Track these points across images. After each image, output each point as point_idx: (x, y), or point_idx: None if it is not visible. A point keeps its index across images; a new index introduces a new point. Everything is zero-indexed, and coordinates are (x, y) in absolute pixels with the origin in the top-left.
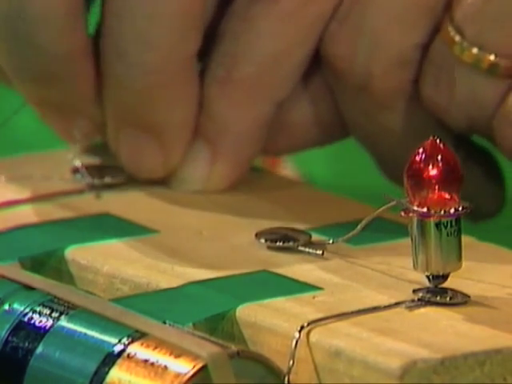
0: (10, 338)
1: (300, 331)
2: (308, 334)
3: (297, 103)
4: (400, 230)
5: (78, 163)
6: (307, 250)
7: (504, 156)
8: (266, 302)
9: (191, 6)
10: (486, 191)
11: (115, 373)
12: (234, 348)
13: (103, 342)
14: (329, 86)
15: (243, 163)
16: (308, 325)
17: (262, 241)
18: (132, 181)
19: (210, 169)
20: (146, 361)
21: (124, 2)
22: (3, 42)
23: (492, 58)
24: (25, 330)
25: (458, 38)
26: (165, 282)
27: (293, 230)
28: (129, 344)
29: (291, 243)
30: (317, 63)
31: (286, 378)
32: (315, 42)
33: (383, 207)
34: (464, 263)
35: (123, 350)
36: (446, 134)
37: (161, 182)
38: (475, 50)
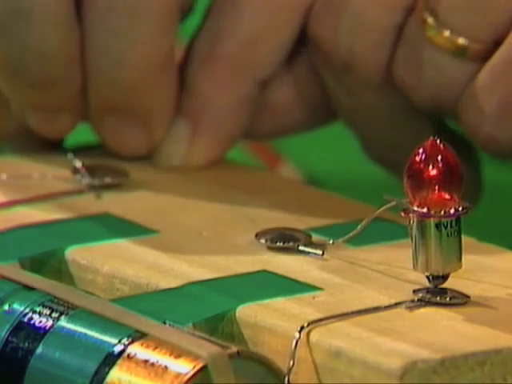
0: (9, 339)
1: (300, 331)
2: (308, 334)
3: (281, 85)
4: (400, 231)
5: (78, 163)
6: (307, 250)
7: (468, 137)
8: (266, 302)
9: (169, 2)
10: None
11: (115, 373)
12: (234, 348)
13: (103, 342)
14: (314, 67)
15: (224, 141)
16: (308, 325)
17: (262, 241)
18: (132, 181)
19: (190, 145)
20: (146, 361)
21: (107, 1)
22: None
23: (462, 41)
24: (25, 330)
25: (430, 19)
26: (165, 282)
27: (293, 230)
28: (129, 344)
29: (291, 243)
30: (301, 44)
31: (286, 378)
32: (299, 22)
33: (383, 207)
34: (464, 263)
35: (123, 351)
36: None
37: (161, 182)
38: (447, 33)
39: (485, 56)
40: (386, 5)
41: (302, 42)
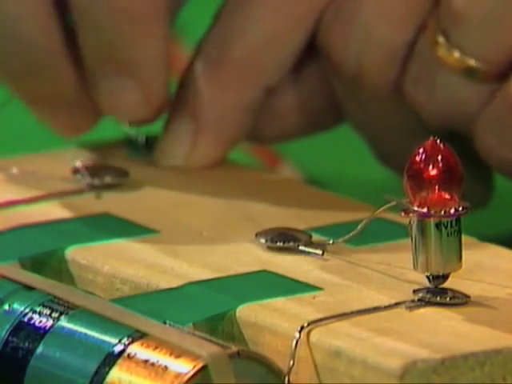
0: (10, 338)
1: (300, 331)
2: (308, 334)
3: (290, 91)
4: (400, 230)
5: (78, 163)
6: (307, 250)
7: (482, 157)
8: (266, 302)
9: None
10: (475, 180)
11: (115, 373)
12: (234, 348)
13: (103, 342)
14: (321, 73)
15: (225, 143)
16: (308, 325)
17: (262, 241)
18: (132, 181)
19: (192, 145)
20: (146, 361)
21: None
22: None
23: (472, 62)
24: (25, 330)
25: (441, 39)
26: (165, 282)
27: (293, 230)
28: (129, 344)
29: (291, 243)
30: (311, 51)
31: (287, 378)
32: (309, 31)
33: (383, 207)
34: (464, 263)
35: (123, 350)
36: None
37: (161, 182)
38: (457, 53)
39: (496, 77)
40: (396, 22)
41: (312, 49)
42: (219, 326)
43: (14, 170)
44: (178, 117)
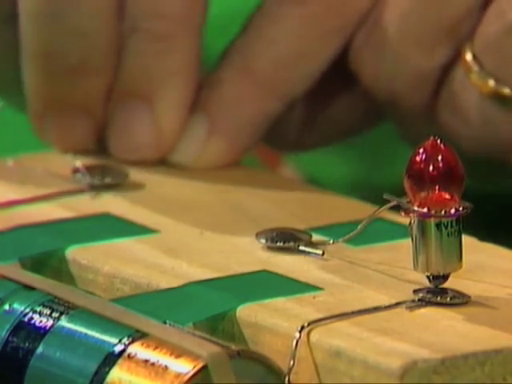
0: (10, 338)
1: (300, 331)
2: (308, 334)
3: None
4: (400, 231)
5: (78, 163)
6: (307, 250)
7: None
8: (267, 302)
9: None
10: None
11: (116, 373)
12: (234, 348)
13: (103, 342)
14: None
15: (236, 150)
16: (308, 325)
17: (262, 241)
18: (132, 181)
19: (204, 145)
20: (146, 361)
21: None
22: (47, 30)
23: (507, 91)
24: (25, 330)
25: (476, 67)
26: (165, 282)
27: (293, 230)
28: (129, 344)
29: (291, 243)
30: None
31: (287, 378)
32: (337, 49)
33: (383, 207)
34: (464, 263)
35: (123, 350)
36: None
37: (161, 182)
38: (492, 82)
39: None
40: (428, 48)
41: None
42: (219, 326)
43: (14, 170)
44: (195, 116)
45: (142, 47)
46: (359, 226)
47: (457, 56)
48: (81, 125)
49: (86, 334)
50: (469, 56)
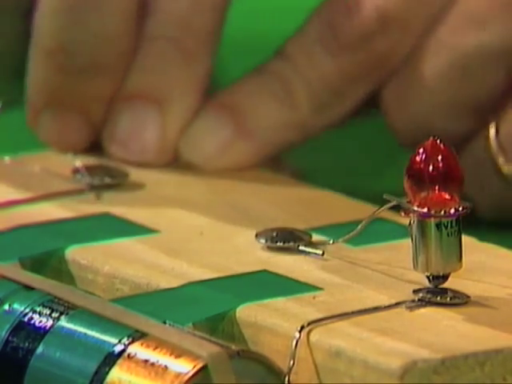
0: (10, 338)
1: (300, 331)
2: (308, 334)
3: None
4: (400, 231)
5: (78, 163)
6: (307, 250)
7: None
8: (267, 302)
9: None
10: None
11: (115, 373)
12: (234, 348)
13: (103, 342)
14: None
15: (259, 156)
16: (308, 325)
17: (262, 241)
18: (132, 181)
19: (225, 146)
20: (146, 361)
21: None
22: (65, 28)
23: None
24: (25, 330)
25: (500, 153)
26: (165, 282)
27: (293, 230)
28: (129, 344)
29: (291, 243)
30: None
31: (287, 378)
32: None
33: (383, 207)
34: (464, 263)
35: (123, 350)
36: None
37: (161, 182)
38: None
39: None
40: (454, 116)
41: None
42: (219, 326)
43: (14, 170)
44: (220, 114)
45: (165, 54)
46: (359, 226)
47: (478, 129)
48: (78, 124)
49: (85, 334)
50: (492, 138)
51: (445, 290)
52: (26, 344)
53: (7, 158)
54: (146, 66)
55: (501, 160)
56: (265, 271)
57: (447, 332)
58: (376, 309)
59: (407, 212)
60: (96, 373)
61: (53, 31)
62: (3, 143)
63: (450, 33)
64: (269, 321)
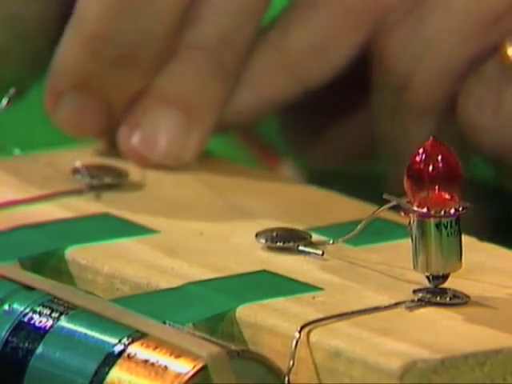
0: (10, 339)
1: (300, 331)
2: (308, 334)
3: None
4: (400, 231)
5: (78, 163)
6: (307, 250)
7: None
8: (266, 302)
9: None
10: None
11: (115, 373)
12: (234, 348)
13: (103, 342)
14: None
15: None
16: (308, 325)
17: (262, 241)
18: (132, 181)
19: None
20: (146, 361)
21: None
22: (112, 17)
23: None
24: (25, 330)
25: None
26: (165, 282)
27: (293, 230)
28: (129, 344)
29: (291, 243)
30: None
31: (286, 378)
32: (362, 44)
33: (383, 207)
34: (464, 263)
35: (123, 351)
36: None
37: (161, 182)
38: None
39: None
40: (463, 38)
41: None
42: (219, 326)
43: (15, 170)
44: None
45: (200, 65)
46: (359, 226)
47: (489, 52)
48: (98, 112)
49: (85, 334)
50: (509, 49)
51: (445, 290)
52: (26, 344)
53: (8, 158)
54: (179, 72)
55: None
56: (265, 271)
57: (447, 332)
58: (376, 309)
59: (407, 212)
60: (96, 373)
61: (99, 18)
62: (4, 143)
63: None
64: (269, 321)
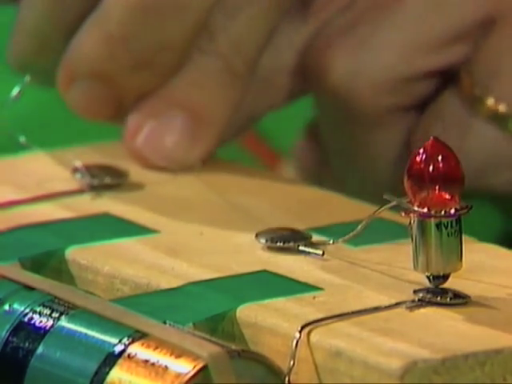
0: (10, 339)
1: (300, 331)
2: (308, 334)
3: None
4: (400, 231)
5: (77, 163)
6: (307, 250)
7: None
8: (267, 302)
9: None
10: None
11: (116, 373)
12: (234, 348)
13: (104, 342)
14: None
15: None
16: (308, 325)
17: (263, 241)
18: (132, 181)
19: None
20: (146, 361)
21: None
22: (138, 23)
23: (503, 108)
24: (25, 330)
25: (479, 91)
26: (165, 282)
27: (293, 230)
28: (129, 344)
29: (291, 243)
30: None
31: (287, 378)
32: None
33: (383, 207)
34: (464, 263)
35: (124, 351)
36: None
37: (161, 182)
38: (491, 101)
39: None
40: (410, 55)
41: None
42: (219, 326)
43: (15, 170)
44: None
45: (212, 72)
46: (359, 226)
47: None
48: (108, 103)
49: (86, 334)
50: (468, 82)
51: (445, 290)
52: (27, 344)
53: (8, 158)
54: (191, 77)
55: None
56: (265, 271)
57: (447, 332)
58: (376, 309)
59: (407, 212)
60: (96, 373)
61: (122, 20)
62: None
63: None
64: (269, 321)
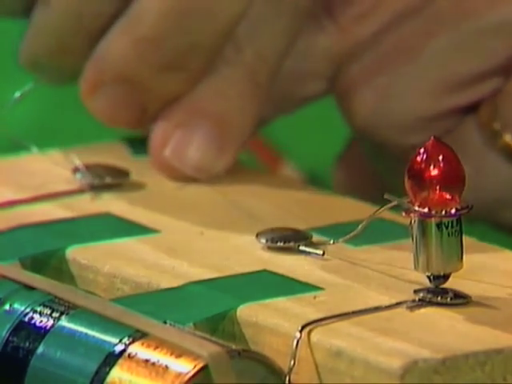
0: (10, 338)
1: (301, 331)
2: (309, 333)
3: None
4: (401, 231)
5: (78, 163)
6: (308, 250)
7: None
8: (267, 301)
9: None
10: None
11: (116, 373)
12: (234, 348)
13: (104, 341)
14: None
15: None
16: (309, 325)
17: (263, 241)
18: (132, 181)
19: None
20: (146, 361)
21: None
22: (172, 27)
23: None
24: (25, 329)
25: (497, 126)
26: (165, 282)
27: (293, 230)
28: (130, 344)
29: (292, 243)
30: None
31: (287, 378)
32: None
33: (384, 207)
34: (465, 263)
35: (124, 350)
36: None
37: (161, 182)
38: (508, 137)
39: None
40: (436, 97)
41: None
42: (220, 326)
43: (15, 170)
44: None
45: (237, 82)
46: (359, 226)
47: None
48: (133, 109)
49: (86, 334)
50: (489, 117)
51: (445, 290)
52: (27, 344)
53: (8, 158)
54: (217, 87)
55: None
56: (265, 271)
57: (448, 332)
58: (377, 309)
59: (408, 212)
60: (96, 373)
61: (154, 23)
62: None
63: None
64: (269, 321)
